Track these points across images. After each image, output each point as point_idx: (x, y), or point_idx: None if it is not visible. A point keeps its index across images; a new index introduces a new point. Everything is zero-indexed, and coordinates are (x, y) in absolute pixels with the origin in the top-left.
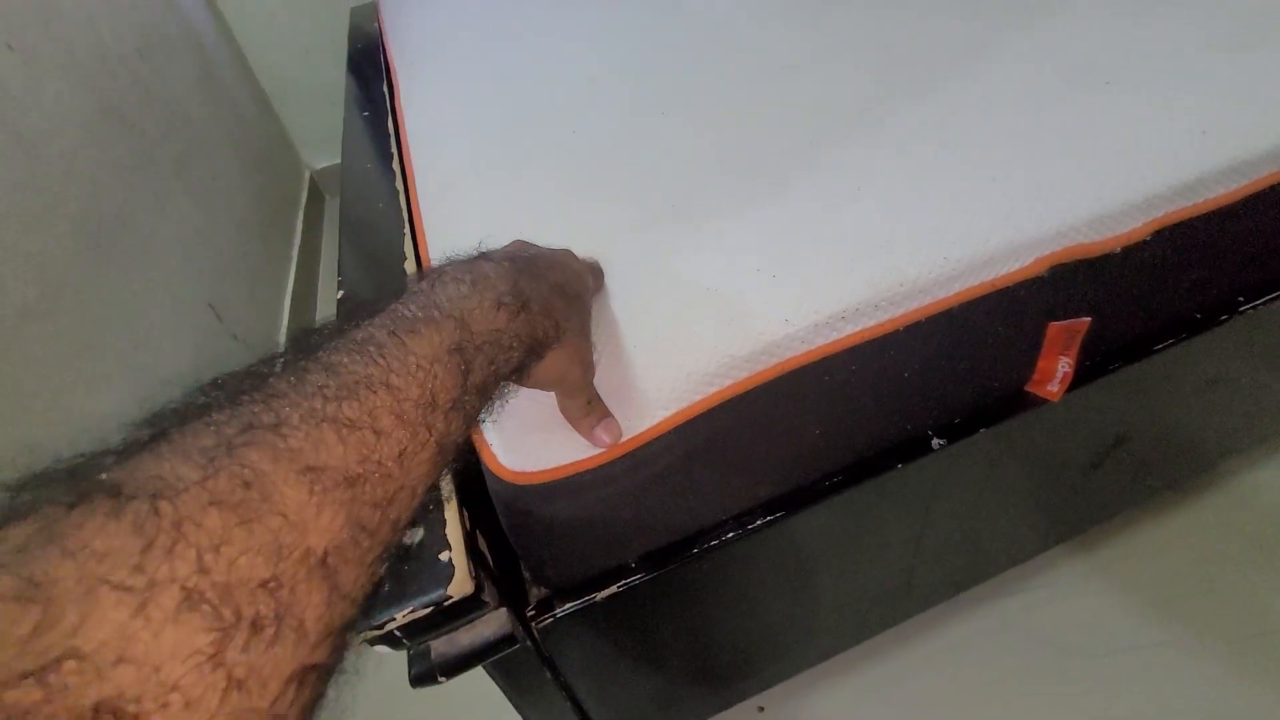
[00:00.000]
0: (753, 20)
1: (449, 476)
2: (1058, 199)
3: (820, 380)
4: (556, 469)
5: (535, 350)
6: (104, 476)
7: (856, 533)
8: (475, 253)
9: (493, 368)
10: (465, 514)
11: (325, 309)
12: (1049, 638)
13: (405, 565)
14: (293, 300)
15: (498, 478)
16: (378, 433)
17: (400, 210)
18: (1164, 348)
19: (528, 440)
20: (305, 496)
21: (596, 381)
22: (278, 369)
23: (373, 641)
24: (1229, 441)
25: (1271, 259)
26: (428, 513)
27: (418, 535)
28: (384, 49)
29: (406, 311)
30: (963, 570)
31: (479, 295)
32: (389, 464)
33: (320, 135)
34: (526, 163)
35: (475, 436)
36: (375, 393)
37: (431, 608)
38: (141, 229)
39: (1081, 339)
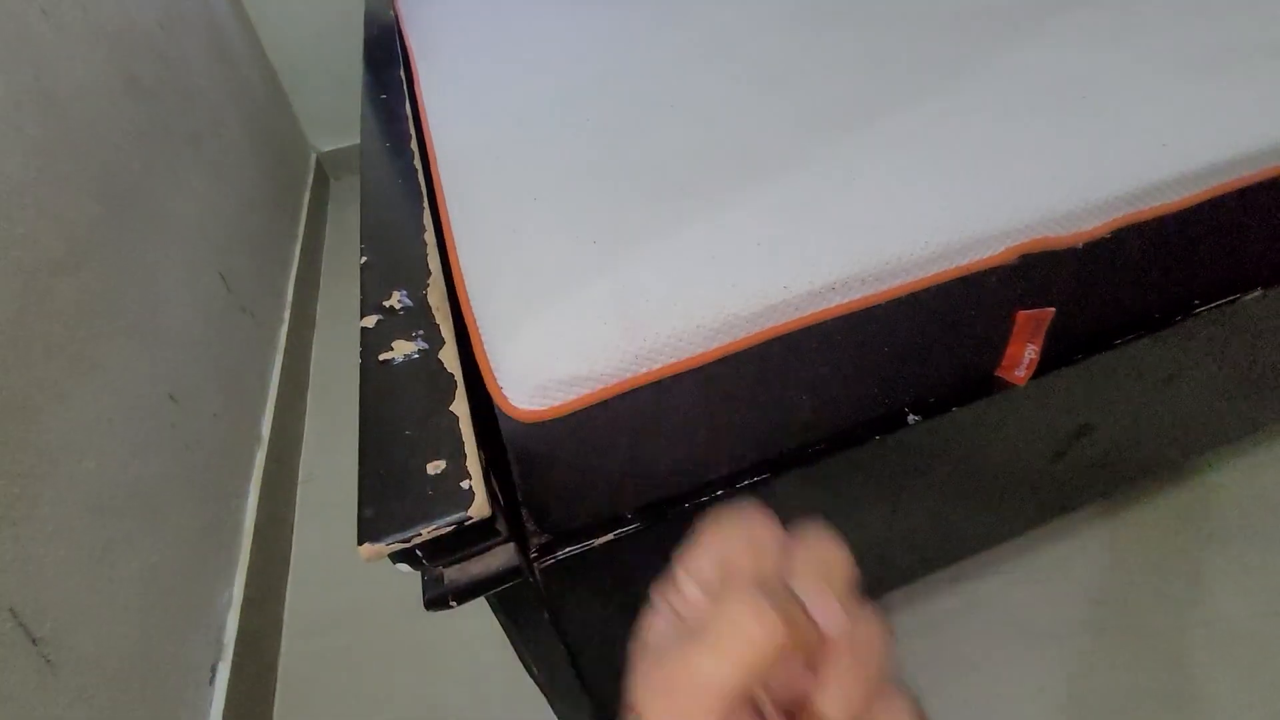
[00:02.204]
0: (757, 30)
1: (467, 420)
2: (1029, 196)
3: (810, 346)
4: (564, 405)
5: None
6: None
7: (835, 501)
8: None
9: None
10: (482, 453)
11: (328, 288)
12: (1014, 620)
13: (430, 491)
14: (297, 278)
15: (509, 418)
16: None
17: (419, 187)
18: (1124, 342)
19: (538, 381)
20: None
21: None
22: None
23: (396, 558)
24: (1188, 439)
25: (1223, 264)
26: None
27: (440, 467)
28: (400, 35)
29: None
30: (934, 549)
31: None
32: None
33: (328, 118)
34: (542, 144)
35: (488, 380)
36: None
37: (453, 527)
38: (158, 196)
39: (1047, 328)
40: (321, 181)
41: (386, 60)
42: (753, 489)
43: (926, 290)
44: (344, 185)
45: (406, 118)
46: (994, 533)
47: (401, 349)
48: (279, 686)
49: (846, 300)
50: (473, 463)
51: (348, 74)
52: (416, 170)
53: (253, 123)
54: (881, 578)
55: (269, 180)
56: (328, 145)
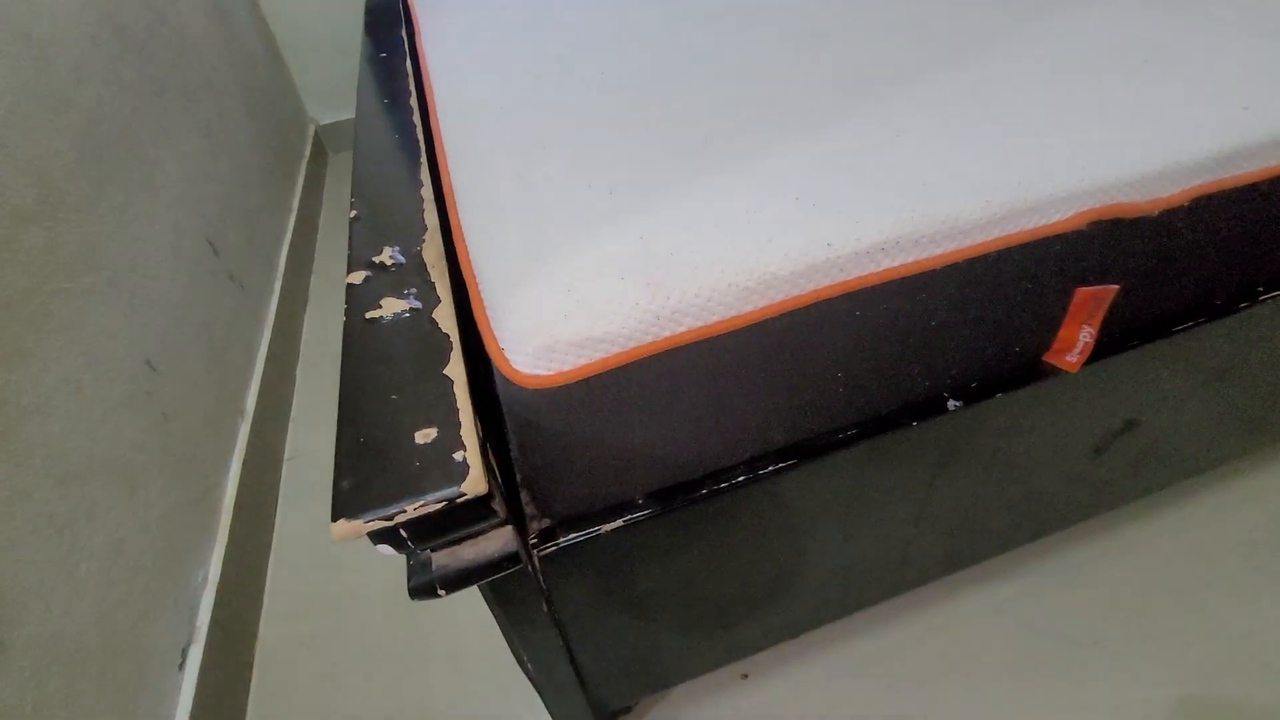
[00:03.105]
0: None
1: (463, 384)
2: (1099, 159)
3: (851, 315)
4: (573, 371)
5: None
6: None
7: (862, 493)
8: None
9: None
10: (479, 421)
11: (323, 263)
12: (1034, 625)
13: (417, 462)
14: (290, 249)
15: (510, 383)
16: None
17: (417, 143)
18: (1182, 329)
19: (544, 342)
20: None
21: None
22: None
23: (376, 538)
24: (1232, 441)
25: None
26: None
27: (430, 435)
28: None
29: None
30: (958, 548)
31: None
32: None
33: (328, 89)
34: (554, 96)
35: (488, 341)
36: None
37: (444, 504)
38: (146, 153)
39: (1105, 308)
40: (319, 154)
41: (389, 20)
42: (776, 476)
43: (984, 257)
44: (343, 159)
45: (407, 75)
46: (1023, 532)
47: (391, 307)
48: (255, 673)
49: (898, 263)
50: (468, 431)
51: (350, 46)
52: (415, 126)
53: (250, 88)
54: (905, 576)
55: (264, 148)
56: (328, 118)
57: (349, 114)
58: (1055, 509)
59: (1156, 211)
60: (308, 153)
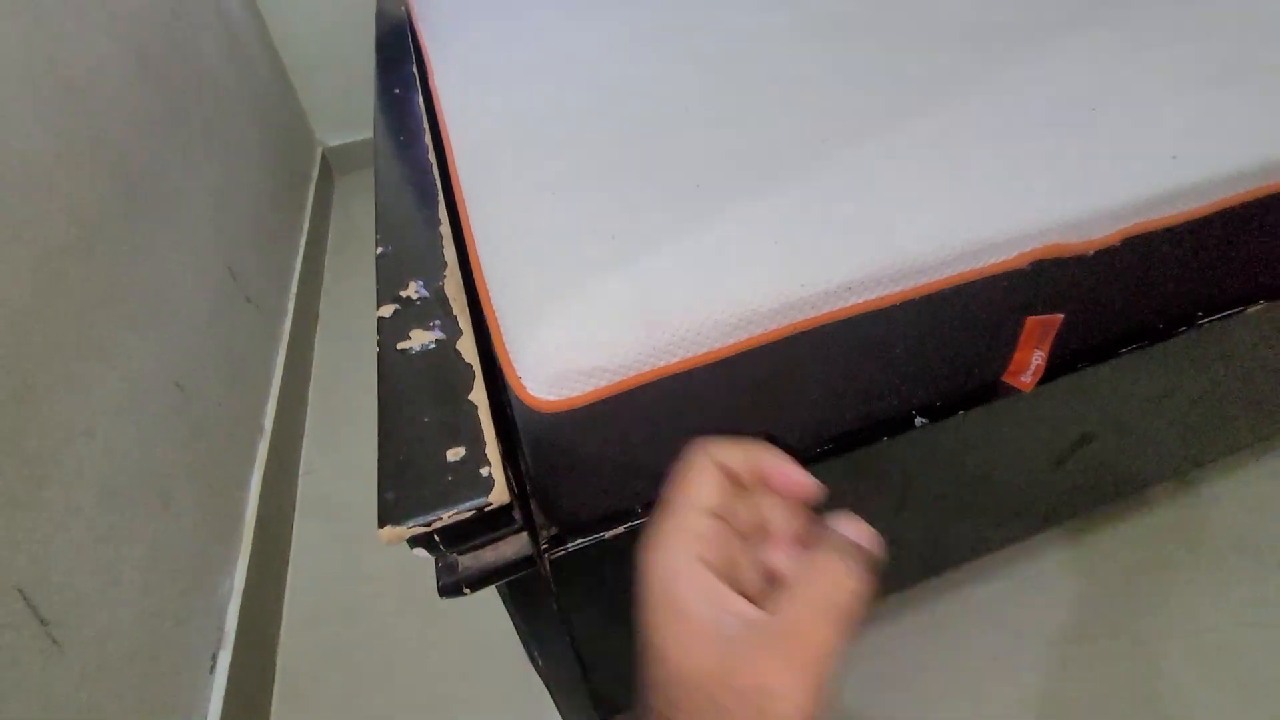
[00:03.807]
0: (774, 40)
1: (485, 409)
2: (1041, 204)
3: (827, 343)
4: (582, 396)
5: None
6: None
7: (841, 503)
8: None
9: None
10: (500, 443)
11: (332, 282)
12: (1012, 624)
13: (449, 477)
14: (301, 271)
15: (526, 407)
16: None
17: (434, 180)
18: (1127, 351)
19: (557, 371)
20: None
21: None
22: None
23: (413, 543)
24: (1188, 452)
25: (1228, 276)
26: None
27: (460, 454)
28: (413, 31)
29: None
30: (935, 553)
31: None
32: None
33: (334, 113)
34: (558, 141)
35: (507, 371)
36: None
37: (473, 512)
38: (170, 184)
39: (1054, 335)
40: (326, 176)
41: (399, 56)
42: None
43: (940, 292)
44: (349, 180)
45: (420, 113)
46: (995, 538)
47: (419, 338)
48: (278, 676)
49: (863, 299)
50: (492, 450)
51: (356, 70)
52: (431, 165)
53: (261, 114)
54: (886, 581)
55: (276, 173)
56: (334, 140)
57: (354, 136)
58: (1025, 516)
59: (1092, 251)
60: (316, 175)
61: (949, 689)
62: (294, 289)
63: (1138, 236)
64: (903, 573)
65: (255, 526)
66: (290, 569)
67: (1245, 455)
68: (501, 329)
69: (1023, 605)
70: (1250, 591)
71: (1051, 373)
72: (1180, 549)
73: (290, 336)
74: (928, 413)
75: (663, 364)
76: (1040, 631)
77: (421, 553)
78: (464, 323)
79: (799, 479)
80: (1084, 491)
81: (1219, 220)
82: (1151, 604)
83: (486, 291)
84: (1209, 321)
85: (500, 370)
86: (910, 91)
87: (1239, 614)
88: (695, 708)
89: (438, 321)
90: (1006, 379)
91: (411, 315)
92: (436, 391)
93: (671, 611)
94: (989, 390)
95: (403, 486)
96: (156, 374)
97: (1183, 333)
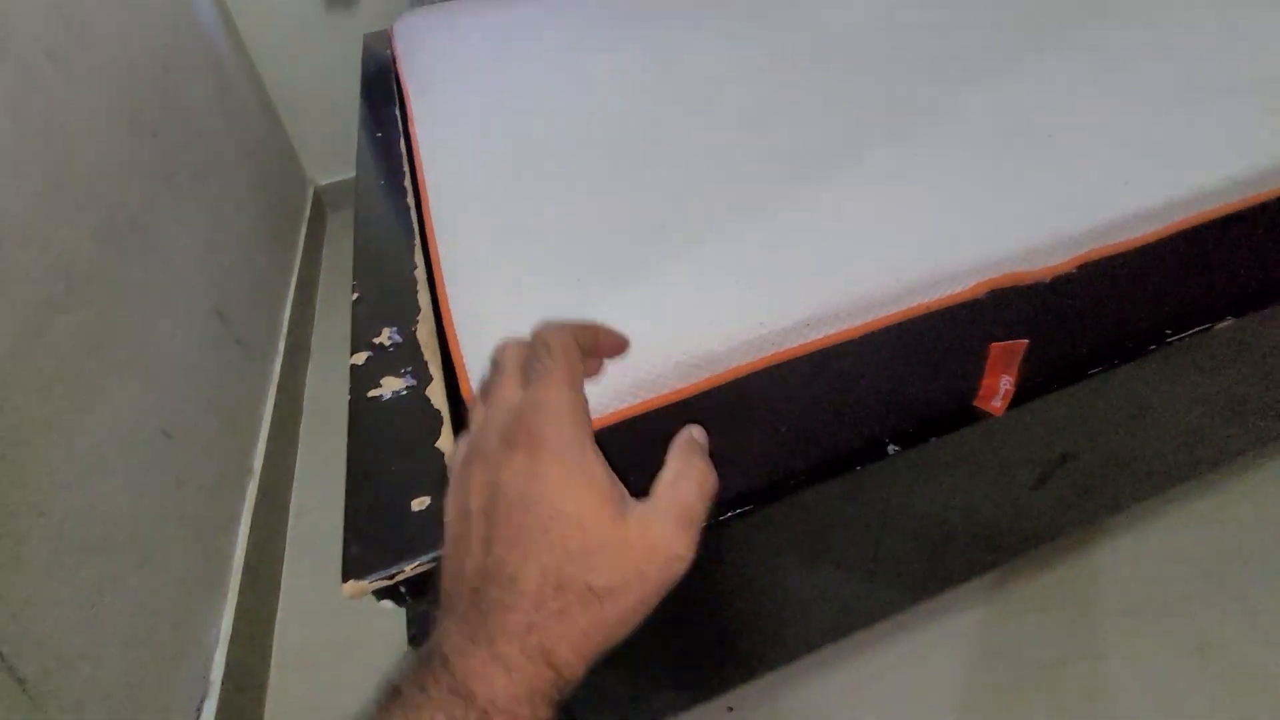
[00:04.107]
0: (739, 75)
1: (451, 452)
2: (996, 233)
3: (788, 380)
4: None
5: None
6: None
7: (821, 532)
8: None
9: None
10: None
11: (323, 319)
12: (1002, 649)
13: (413, 528)
14: (292, 309)
15: None
16: None
17: (411, 223)
18: (1098, 372)
19: None
20: None
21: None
22: None
23: (379, 595)
24: (1173, 467)
25: (1191, 295)
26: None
27: (424, 504)
28: (397, 75)
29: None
30: (921, 579)
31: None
32: None
33: (326, 152)
34: (531, 185)
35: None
36: None
37: (436, 563)
38: (158, 233)
39: (1020, 359)
40: (319, 214)
41: (383, 98)
42: (736, 520)
43: (898, 325)
44: (341, 216)
45: (401, 155)
46: (981, 561)
47: (390, 385)
48: None
49: (822, 335)
50: None
51: (346, 110)
52: (409, 207)
53: (253, 158)
54: (869, 611)
55: (268, 214)
56: (326, 179)
57: (347, 174)
58: (1009, 538)
59: (1049, 278)
60: (308, 213)
61: (942, 715)
62: (285, 327)
63: (1093, 262)
64: (885, 601)
65: (243, 571)
66: (280, 611)
67: (1224, 469)
68: (471, 381)
69: (1011, 630)
70: (1256, 604)
71: (1024, 395)
72: (1171, 565)
73: (281, 376)
74: (900, 440)
75: (626, 405)
76: (1029, 655)
77: (389, 604)
78: (435, 368)
79: (622, 339)
80: (1068, 511)
81: (1176, 243)
82: (1142, 624)
83: (456, 339)
84: (1178, 339)
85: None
86: (869, 122)
87: (1246, 629)
88: (607, 566)
89: (410, 369)
90: (978, 404)
91: (384, 362)
92: (404, 440)
93: (584, 479)
94: (961, 416)
95: (367, 539)
96: (142, 422)
97: (1153, 351)
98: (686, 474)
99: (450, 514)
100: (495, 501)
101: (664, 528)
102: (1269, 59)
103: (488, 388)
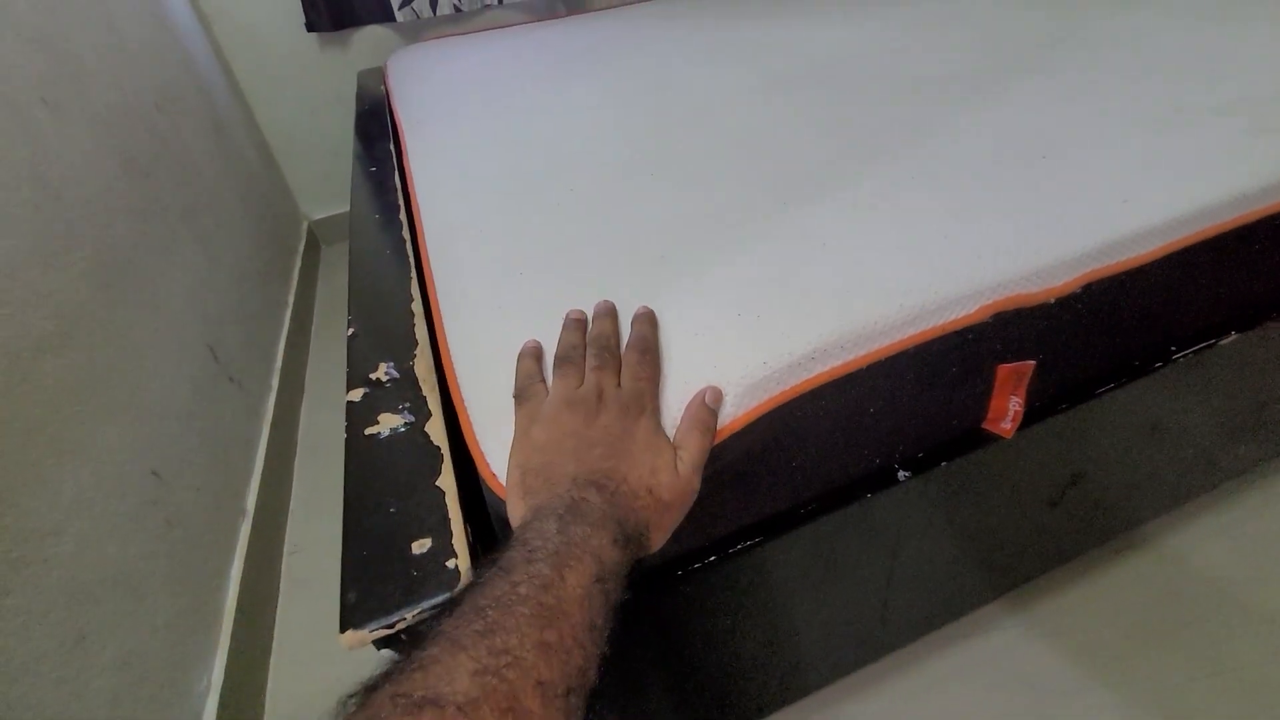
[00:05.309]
0: (732, 100)
1: (453, 494)
2: (997, 255)
3: (793, 415)
4: None
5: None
6: (419, 694)
7: (832, 561)
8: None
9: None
10: (469, 529)
11: (317, 353)
12: (1021, 675)
13: (415, 572)
14: (286, 344)
15: (497, 495)
16: (567, 650)
17: (407, 257)
18: (1106, 390)
19: None
20: (538, 704)
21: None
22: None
23: (380, 645)
24: (1188, 482)
25: (1195, 312)
26: (438, 525)
27: (426, 546)
28: (390, 110)
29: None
30: (936, 606)
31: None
32: (579, 670)
33: (319, 188)
34: (527, 216)
35: (478, 460)
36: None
37: (440, 610)
38: (150, 273)
39: (1029, 380)
40: (313, 248)
41: (377, 134)
42: (746, 553)
43: (904, 352)
44: (335, 250)
45: (395, 189)
46: (996, 585)
47: (388, 422)
48: None
49: (826, 368)
50: (459, 540)
51: (340, 145)
52: (405, 241)
53: (247, 195)
54: (886, 638)
55: (262, 250)
56: (320, 213)
57: (341, 208)
58: (1023, 561)
59: (1053, 299)
60: (302, 248)
61: None
62: (279, 363)
63: (1097, 281)
64: (900, 628)
65: (235, 614)
66: (274, 653)
67: (1236, 483)
68: (472, 420)
69: (1029, 656)
70: (1270, 619)
71: (1033, 416)
72: (1188, 584)
73: (274, 412)
74: (910, 466)
75: None
76: (1047, 682)
77: (390, 654)
78: (434, 403)
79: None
80: (1082, 530)
81: (1177, 260)
82: (1159, 646)
83: (456, 380)
84: (1184, 356)
85: (470, 451)
86: (864, 145)
87: (1263, 647)
88: (669, 488)
89: (408, 404)
90: (987, 427)
91: (381, 398)
92: (404, 479)
93: (663, 441)
94: (971, 439)
95: (365, 586)
96: (132, 464)
97: (1159, 368)
98: (699, 429)
99: (538, 444)
100: (604, 433)
101: (689, 472)
102: (1251, 80)
103: (563, 361)
